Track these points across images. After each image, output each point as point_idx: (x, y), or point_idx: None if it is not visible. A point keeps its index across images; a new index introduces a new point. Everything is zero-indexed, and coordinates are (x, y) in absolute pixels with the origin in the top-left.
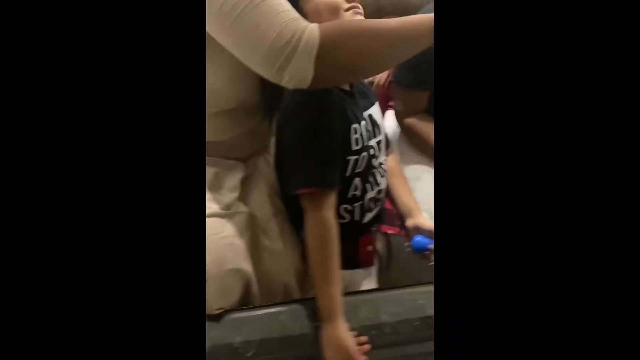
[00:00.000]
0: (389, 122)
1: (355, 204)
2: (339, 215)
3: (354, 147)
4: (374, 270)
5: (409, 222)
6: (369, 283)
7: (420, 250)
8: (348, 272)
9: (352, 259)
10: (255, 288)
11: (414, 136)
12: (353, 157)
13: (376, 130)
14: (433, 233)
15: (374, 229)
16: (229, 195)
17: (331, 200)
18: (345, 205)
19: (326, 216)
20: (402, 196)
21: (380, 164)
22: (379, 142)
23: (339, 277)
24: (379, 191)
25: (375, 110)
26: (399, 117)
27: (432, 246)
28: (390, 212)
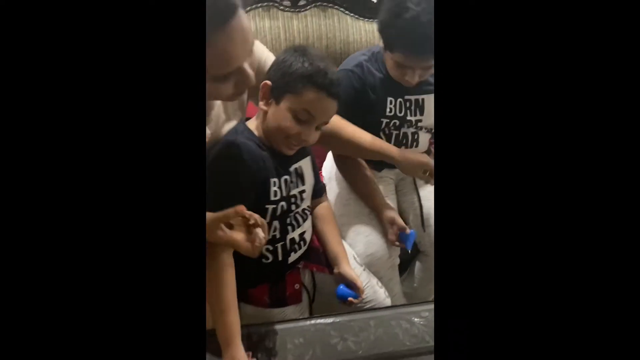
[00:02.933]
0: (327, 165)
1: (277, 244)
2: (262, 256)
3: (272, 198)
4: (304, 306)
5: (335, 270)
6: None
7: (342, 299)
8: (277, 311)
9: (281, 298)
10: None
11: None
12: (271, 206)
13: (299, 181)
14: (356, 283)
15: (299, 266)
16: None
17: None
18: (267, 246)
19: (220, 257)
20: (330, 243)
21: (304, 210)
22: (301, 192)
23: (234, 308)
24: (302, 233)
25: (304, 163)
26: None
27: (352, 298)
28: (317, 250)
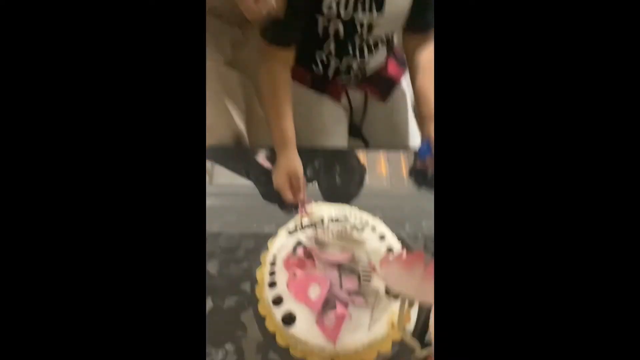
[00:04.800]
0: None
1: (330, 60)
2: (313, 61)
3: (324, 10)
4: (343, 115)
5: (423, 128)
6: (339, 124)
7: (423, 155)
8: (316, 97)
9: (323, 85)
10: None
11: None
12: (321, 22)
13: (372, 2)
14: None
15: (351, 83)
16: None
17: (281, 55)
18: (320, 53)
19: (273, 67)
20: (425, 101)
21: (377, 42)
22: (371, 22)
23: (289, 114)
24: (362, 63)
25: None
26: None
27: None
28: (380, 76)
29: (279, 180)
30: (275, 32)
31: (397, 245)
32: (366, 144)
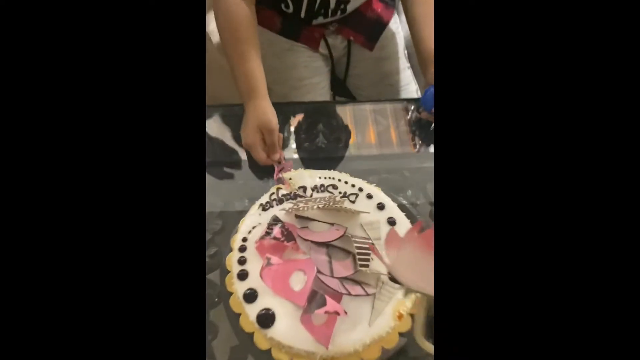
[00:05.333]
0: None
1: None
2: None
3: None
4: (323, 65)
5: (426, 72)
6: (318, 76)
7: (427, 104)
8: (286, 42)
9: (295, 31)
10: None
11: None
12: None
13: None
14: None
15: (331, 27)
16: None
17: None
18: None
19: (228, 2)
20: (424, 38)
21: None
22: None
23: (256, 55)
24: (343, 1)
25: None
26: None
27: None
28: (364, 16)
29: (248, 136)
30: None
31: (401, 216)
32: (353, 99)
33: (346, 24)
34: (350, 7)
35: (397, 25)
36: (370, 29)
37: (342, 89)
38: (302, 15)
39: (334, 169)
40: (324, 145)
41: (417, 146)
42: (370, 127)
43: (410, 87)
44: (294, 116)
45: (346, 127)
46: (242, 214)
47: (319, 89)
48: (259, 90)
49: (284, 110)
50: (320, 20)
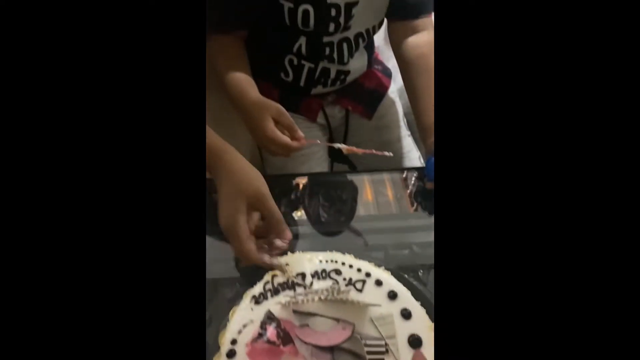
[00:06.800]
0: None
1: (304, 64)
2: (282, 68)
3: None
4: (321, 135)
5: (427, 142)
6: (315, 146)
7: (430, 174)
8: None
9: (294, 103)
10: None
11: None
12: (286, 4)
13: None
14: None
15: (329, 98)
16: None
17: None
18: (289, 56)
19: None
20: (424, 109)
21: (358, 35)
22: (350, 4)
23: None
24: (345, 72)
25: None
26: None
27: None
28: (362, 86)
29: (229, 214)
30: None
31: (416, 307)
32: (353, 168)
33: (345, 94)
34: (350, 78)
35: (395, 94)
36: (369, 99)
37: (340, 157)
38: (302, 83)
39: (336, 245)
40: (324, 219)
41: (423, 217)
42: (372, 198)
43: (412, 154)
44: (291, 189)
45: (347, 199)
46: (232, 302)
47: (316, 159)
48: (227, 149)
49: (280, 183)
50: (320, 89)
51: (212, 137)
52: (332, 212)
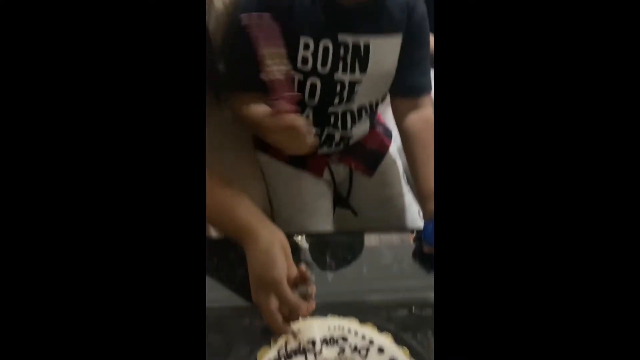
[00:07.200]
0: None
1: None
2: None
3: (299, 64)
4: (326, 189)
5: (425, 208)
6: (322, 199)
7: (429, 240)
8: (294, 172)
9: (302, 160)
10: None
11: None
12: (297, 75)
13: (355, 62)
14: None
15: (334, 156)
16: None
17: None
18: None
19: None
20: (423, 176)
21: (361, 108)
22: (355, 82)
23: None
24: (347, 138)
25: (381, 41)
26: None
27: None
28: (364, 147)
29: (274, 269)
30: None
31: None
32: (355, 214)
33: (348, 153)
34: (352, 141)
35: (396, 153)
36: (371, 158)
37: (344, 205)
38: None
39: (341, 308)
40: (330, 280)
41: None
42: (375, 257)
43: (412, 207)
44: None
45: (352, 260)
46: None
47: (322, 211)
48: (256, 227)
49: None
50: (325, 150)
51: (244, 211)
52: (337, 271)
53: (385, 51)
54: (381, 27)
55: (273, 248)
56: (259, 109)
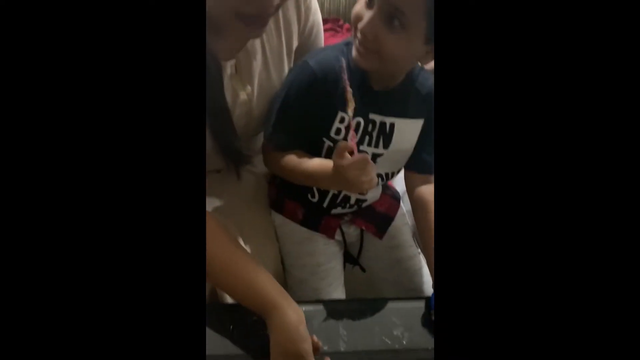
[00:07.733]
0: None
1: (328, 192)
2: (309, 190)
3: (332, 134)
4: (337, 250)
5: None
6: (334, 261)
7: (432, 305)
8: (307, 233)
9: (315, 222)
10: None
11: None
12: (327, 143)
13: (379, 138)
14: None
15: (346, 218)
16: None
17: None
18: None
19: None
20: (430, 246)
21: (380, 177)
22: (377, 155)
23: (260, 269)
24: (361, 201)
25: (406, 123)
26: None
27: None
28: (375, 210)
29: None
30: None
31: None
32: (363, 270)
33: (359, 215)
34: (365, 204)
35: (405, 216)
36: (381, 220)
37: (352, 260)
38: (325, 205)
39: None
40: (343, 349)
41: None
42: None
43: (424, 270)
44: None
45: (364, 331)
46: None
47: (334, 273)
48: (280, 303)
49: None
50: (339, 210)
51: (267, 286)
52: (350, 342)
53: (407, 131)
54: (406, 111)
55: (302, 325)
56: (314, 160)
